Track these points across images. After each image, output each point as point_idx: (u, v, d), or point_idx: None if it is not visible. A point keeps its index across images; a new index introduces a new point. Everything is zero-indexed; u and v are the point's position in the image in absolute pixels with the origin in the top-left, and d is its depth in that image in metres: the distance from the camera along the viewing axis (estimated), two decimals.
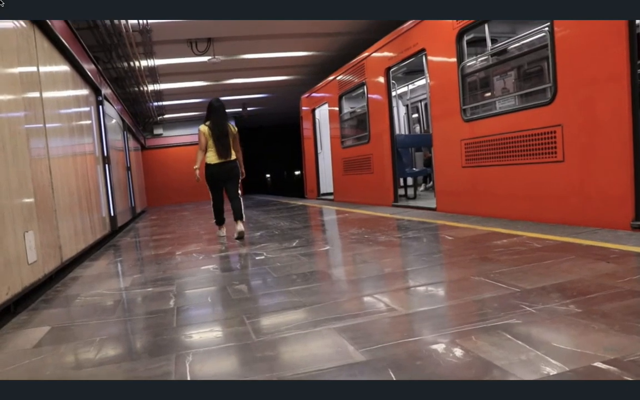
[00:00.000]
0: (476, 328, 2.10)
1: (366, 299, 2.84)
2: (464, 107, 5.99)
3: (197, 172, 6.00)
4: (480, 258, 3.52)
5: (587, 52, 4.31)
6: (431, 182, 9.60)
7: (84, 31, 7.31)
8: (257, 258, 4.48)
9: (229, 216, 6.24)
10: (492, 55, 5.68)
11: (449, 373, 1.72)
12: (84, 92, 6.78)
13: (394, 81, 8.71)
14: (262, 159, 27.26)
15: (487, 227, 4.87)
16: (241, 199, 6.13)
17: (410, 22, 7.05)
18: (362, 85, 9.23)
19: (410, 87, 11.56)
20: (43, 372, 2.13)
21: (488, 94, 5.90)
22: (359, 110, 9.88)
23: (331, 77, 11.00)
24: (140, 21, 7.97)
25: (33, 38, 4.36)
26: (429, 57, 6.76)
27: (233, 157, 6.06)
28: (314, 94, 12.49)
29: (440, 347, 1.94)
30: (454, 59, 6.03)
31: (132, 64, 9.23)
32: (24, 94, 3.88)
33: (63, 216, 4.72)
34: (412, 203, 8.27)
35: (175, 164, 19.17)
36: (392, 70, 8.14)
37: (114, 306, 3.21)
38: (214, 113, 6.04)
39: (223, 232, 6.36)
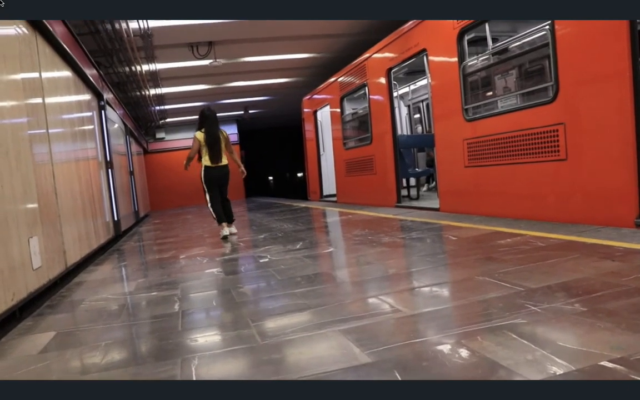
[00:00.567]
0: (482, 328, 2.10)
1: (371, 300, 2.84)
2: (466, 107, 5.99)
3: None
4: (485, 258, 3.52)
5: (589, 50, 4.31)
6: (434, 183, 9.60)
7: (85, 36, 7.33)
8: (261, 260, 4.48)
9: None
10: (493, 54, 5.68)
11: (455, 373, 1.72)
12: (86, 97, 6.79)
13: (395, 82, 8.70)
14: (265, 161, 27.29)
15: (491, 226, 4.86)
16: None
17: (411, 22, 7.05)
18: (363, 86, 9.23)
19: (412, 87, 11.55)
20: (49, 378, 2.13)
21: (490, 94, 5.90)
22: (360, 111, 9.89)
23: (332, 79, 11.00)
24: (142, 25, 7.99)
25: (35, 44, 4.37)
26: (430, 57, 6.76)
27: (225, 161, 6.52)
28: (315, 96, 12.50)
29: (446, 348, 1.94)
30: (455, 59, 6.03)
31: (133, 68, 9.25)
32: (27, 100, 3.89)
33: (67, 221, 4.73)
34: (415, 204, 8.27)
35: (178, 167, 18.98)
36: (393, 70, 8.14)
37: (119, 311, 3.21)
38: (207, 121, 6.45)
39: (227, 230, 6.50)
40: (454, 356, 1.85)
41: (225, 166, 6.53)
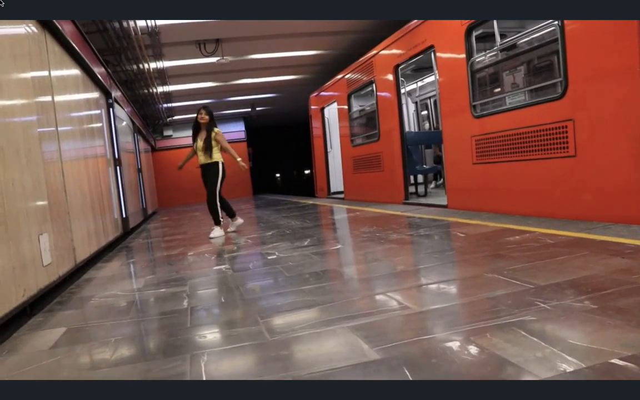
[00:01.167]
0: (490, 325, 2.09)
1: (379, 297, 2.84)
2: (474, 104, 5.96)
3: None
4: (493, 255, 3.50)
5: (598, 46, 4.27)
6: (442, 180, 9.57)
7: (93, 35, 7.37)
8: (269, 257, 4.49)
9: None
10: (502, 50, 5.64)
11: (465, 371, 1.71)
12: (95, 95, 6.83)
13: (402, 78, 8.68)
14: (272, 158, 27.33)
15: (499, 223, 4.84)
16: None
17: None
18: (370, 83, 9.21)
19: (420, 84, 11.51)
20: (60, 373, 2.15)
21: (498, 90, 5.86)
22: (368, 108, 9.87)
23: (340, 76, 10.99)
24: (149, 23, 8.02)
25: (44, 43, 4.40)
26: (438, 54, 6.73)
27: None
28: (322, 93, 12.49)
29: (454, 345, 1.93)
30: (463, 55, 6.00)
31: (141, 66, 9.29)
32: (37, 98, 3.92)
33: (76, 218, 4.76)
34: (422, 200, 8.25)
35: (186, 165, 19.19)
36: (400, 67, 8.12)
37: (128, 307, 3.23)
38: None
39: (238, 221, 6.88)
40: (463, 353, 1.85)
41: None
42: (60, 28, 4.69)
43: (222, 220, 6.67)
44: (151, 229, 9.78)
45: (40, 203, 3.67)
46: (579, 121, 4.49)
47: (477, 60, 5.92)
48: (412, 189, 8.92)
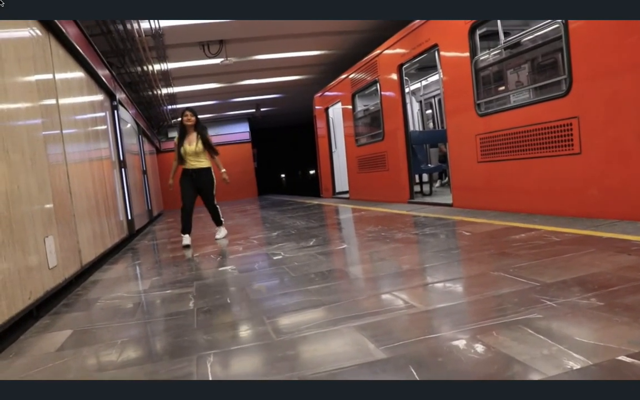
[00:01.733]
0: (497, 323, 2.08)
1: (385, 296, 2.83)
2: (478, 102, 5.94)
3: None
4: (499, 253, 3.49)
5: (603, 43, 4.25)
6: (447, 178, 9.56)
7: (97, 37, 7.39)
8: (275, 258, 4.49)
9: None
10: (505, 48, 5.63)
11: (471, 369, 1.71)
12: (99, 97, 6.85)
13: (406, 78, 8.67)
14: (277, 159, 27.36)
15: (505, 221, 4.83)
16: None
17: None
18: (375, 82, 9.20)
19: (424, 83, 11.50)
20: (67, 375, 2.16)
21: (502, 88, 5.85)
22: (372, 107, 9.86)
23: (344, 76, 10.98)
24: (153, 25, 8.04)
25: (48, 46, 4.41)
26: (442, 53, 6.72)
27: None
28: (327, 93, 12.49)
29: (461, 343, 1.93)
30: (467, 54, 5.98)
31: (145, 68, 9.31)
32: (41, 102, 3.93)
33: (81, 220, 4.78)
34: (428, 199, 8.24)
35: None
36: (404, 66, 8.11)
37: (134, 309, 3.24)
38: None
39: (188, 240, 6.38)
40: (470, 351, 1.85)
41: None
42: (64, 31, 4.71)
43: (222, 220, 6.63)
44: (157, 231, 9.80)
45: (45, 206, 3.68)
46: (584, 118, 4.46)
47: (481, 58, 5.91)
48: (417, 188, 8.91)
